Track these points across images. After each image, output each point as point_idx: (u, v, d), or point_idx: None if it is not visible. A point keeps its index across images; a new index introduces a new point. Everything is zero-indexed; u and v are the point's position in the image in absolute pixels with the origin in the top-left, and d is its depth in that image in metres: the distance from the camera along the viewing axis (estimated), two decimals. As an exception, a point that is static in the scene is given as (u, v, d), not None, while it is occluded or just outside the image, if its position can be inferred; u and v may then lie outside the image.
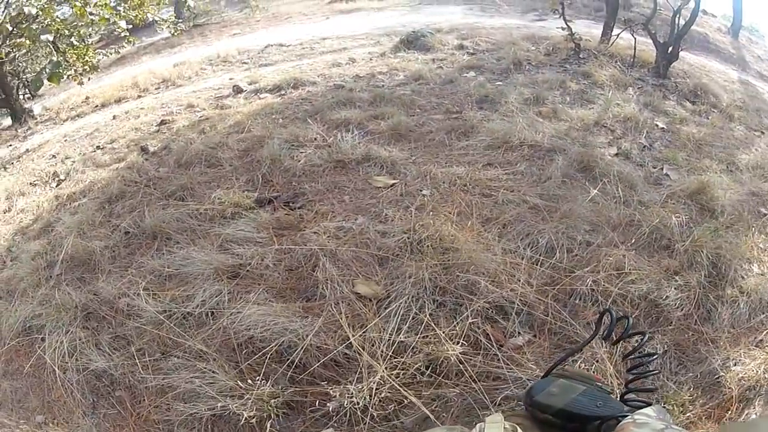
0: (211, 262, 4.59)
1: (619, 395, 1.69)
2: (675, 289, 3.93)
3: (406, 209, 4.91)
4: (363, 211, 5.05)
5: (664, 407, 2.60)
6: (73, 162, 8.28)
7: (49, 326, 4.49)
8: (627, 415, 1.45)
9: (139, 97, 11.59)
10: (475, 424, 1.49)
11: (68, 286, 4.86)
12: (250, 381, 3.45)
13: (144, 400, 3.82)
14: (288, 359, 3.65)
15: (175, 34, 15.13)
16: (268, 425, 3.35)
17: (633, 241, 4.48)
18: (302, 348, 3.64)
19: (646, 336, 1.71)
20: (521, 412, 1.71)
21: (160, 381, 3.79)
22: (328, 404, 3.37)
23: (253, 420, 3.32)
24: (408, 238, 4.39)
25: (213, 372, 3.63)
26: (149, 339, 4.14)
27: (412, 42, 11.04)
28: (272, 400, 3.40)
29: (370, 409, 3.26)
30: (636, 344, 1.76)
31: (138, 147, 7.82)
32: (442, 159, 5.96)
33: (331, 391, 3.40)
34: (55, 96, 14.37)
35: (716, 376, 3.56)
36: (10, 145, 10.86)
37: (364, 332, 3.68)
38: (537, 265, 4.17)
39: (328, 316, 3.88)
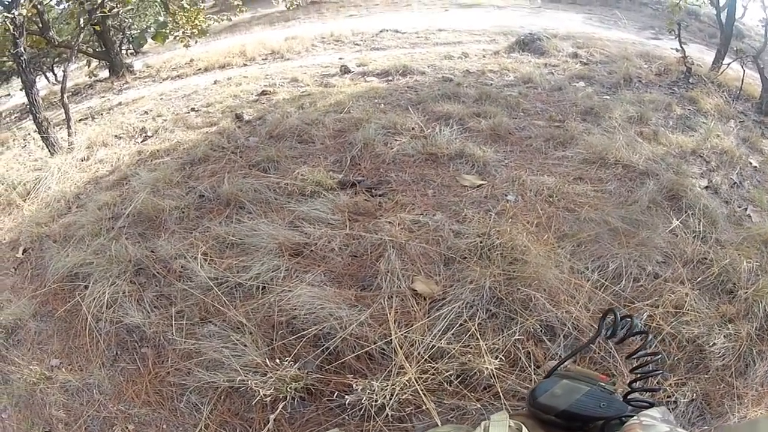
0: (277, 236, 4.73)
1: (622, 395, 1.68)
2: (724, 337, 3.87)
3: (487, 212, 4.91)
4: (443, 208, 5.07)
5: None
6: (164, 120, 8.71)
7: (96, 275, 4.72)
8: (631, 416, 1.48)
9: (245, 65, 12.07)
10: (482, 423, 1.53)
11: (127, 240, 5.12)
12: (278, 360, 3.54)
13: (167, 361, 4.00)
14: (323, 345, 3.73)
15: (291, 8, 15.44)
16: (281, 406, 3.44)
17: (699, 279, 4.38)
18: (341, 337, 3.70)
19: (650, 336, 1.66)
20: (525, 412, 1.72)
21: (189, 345, 3.95)
22: (346, 396, 3.40)
23: (268, 399, 3.40)
24: (480, 242, 4.36)
25: (244, 345, 3.75)
26: (192, 303, 4.30)
27: (528, 44, 10.95)
28: (293, 383, 3.48)
29: (387, 408, 3.29)
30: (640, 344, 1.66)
31: (233, 114, 8.14)
32: (535, 166, 5.93)
33: (354, 384, 3.43)
34: (159, 55, 15.07)
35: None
36: (103, 97, 11.56)
37: (407, 331, 3.71)
38: (600, 289, 4.15)
39: (377, 309, 3.93)
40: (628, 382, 1.72)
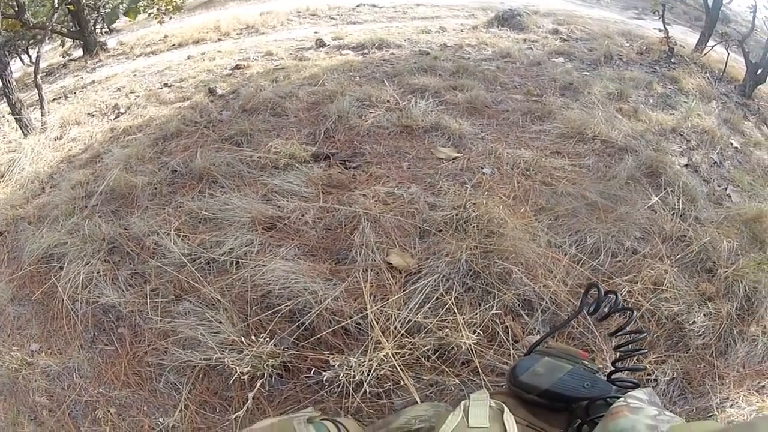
0: (250, 210, 4.72)
1: (606, 375, 1.69)
2: (704, 315, 3.91)
3: (462, 185, 4.88)
4: (418, 180, 5.07)
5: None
6: (137, 97, 8.64)
7: (70, 255, 4.70)
8: (616, 396, 1.47)
9: (219, 40, 11.99)
10: (460, 401, 1.53)
11: (101, 218, 5.08)
12: (253, 337, 3.51)
13: (144, 341, 3.99)
14: (299, 321, 3.71)
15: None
16: (258, 384, 3.44)
17: (679, 256, 4.40)
18: (316, 312, 3.69)
19: (635, 313, 1.65)
20: (505, 390, 1.73)
21: (165, 324, 3.93)
22: (324, 373, 3.40)
23: (245, 376, 3.41)
24: (456, 215, 4.36)
25: (219, 322, 3.73)
26: (167, 280, 4.29)
27: (507, 20, 10.95)
28: (270, 360, 3.48)
29: (365, 384, 3.30)
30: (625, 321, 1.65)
31: (206, 88, 8.08)
32: (512, 140, 5.92)
33: (331, 360, 3.43)
34: (132, 32, 14.96)
35: (710, 414, 3.52)
36: (76, 75, 11.46)
37: (383, 306, 3.70)
38: (578, 264, 4.16)
39: (352, 283, 3.92)
40: (611, 361, 1.74)
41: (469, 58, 8.73)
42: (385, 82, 7.40)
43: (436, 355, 3.48)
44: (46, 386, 3.99)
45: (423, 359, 3.45)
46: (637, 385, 1.56)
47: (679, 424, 1.21)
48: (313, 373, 3.48)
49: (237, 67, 9.12)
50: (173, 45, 11.99)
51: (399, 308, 3.66)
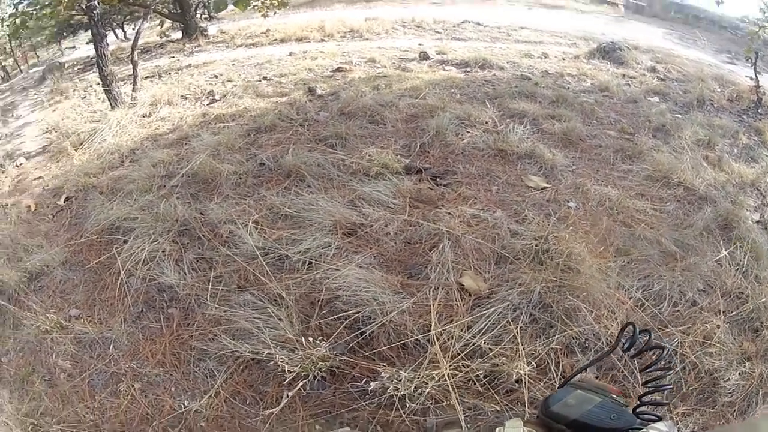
0: (334, 213, 4.78)
1: (632, 408, 1.71)
2: (739, 374, 3.87)
3: (547, 216, 4.91)
4: (504, 206, 5.06)
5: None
6: (234, 86, 8.75)
7: (138, 231, 4.82)
8: (639, 428, 1.53)
9: (322, 41, 12.01)
10: (494, 428, 1.59)
11: (178, 200, 5.21)
12: (310, 339, 3.56)
13: (193, 324, 4.07)
14: (360, 329, 3.74)
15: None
16: (300, 384, 3.47)
17: (734, 313, 4.36)
18: (380, 323, 3.72)
19: (666, 350, 1.69)
20: (535, 420, 1.75)
21: (221, 312, 4.01)
22: (371, 383, 3.39)
23: (290, 375, 3.42)
24: (536, 246, 4.37)
25: (279, 319, 3.79)
26: (233, 270, 4.38)
27: (608, 53, 10.73)
28: (320, 363, 3.52)
29: (407, 400, 3.29)
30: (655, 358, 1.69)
31: (305, 87, 8.14)
32: (601, 176, 5.90)
33: (382, 372, 3.43)
34: (234, 22, 15.02)
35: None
36: (173, 57, 11.63)
37: (447, 325, 3.69)
38: (640, 308, 4.18)
39: (421, 299, 3.93)
40: (638, 395, 1.74)
41: (568, 88, 8.65)
42: (486, 102, 7.36)
43: (486, 379, 3.47)
44: (74, 351, 4.09)
45: (472, 382, 3.43)
46: (660, 419, 1.61)
47: None
48: (360, 382, 3.49)
49: (339, 69, 9.13)
50: (275, 40, 12.07)
51: (462, 330, 3.65)
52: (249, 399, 3.56)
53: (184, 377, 3.77)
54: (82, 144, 6.99)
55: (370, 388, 3.35)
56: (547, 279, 3.95)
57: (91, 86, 9.45)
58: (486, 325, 3.69)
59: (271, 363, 3.48)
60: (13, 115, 9.53)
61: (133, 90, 8.19)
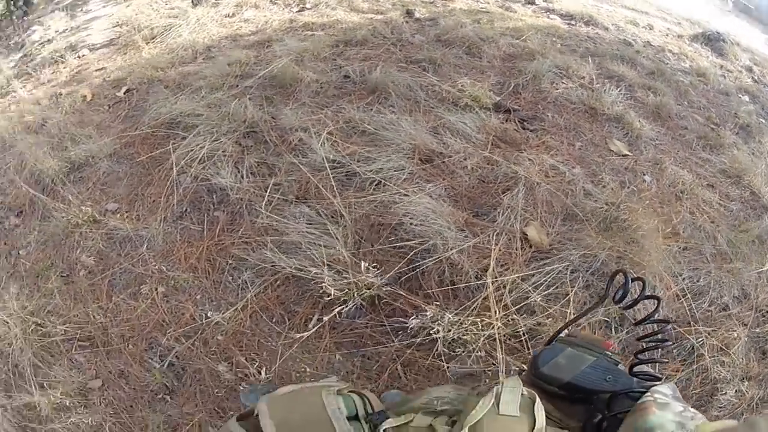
0: (414, 138, 4.61)
1: (627, 366, 1.69)
2: (735, 392, 3.80)
3: (622, 184, 4.75)
4: (584, 164, 4.91)
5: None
6: None
7: (201, 128, 4.68)
8: (639, 391, 1.46)
9: None
10: (493, 388, 1.49)
11: (250, 100, 5.03)
12: (363, 263, 3.38)
13: (239, 231, 3.96)
14: (415, 261, 3.58)
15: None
16: (337, 309, 3.37)
17: (757, 330, 4.24)
18: (437, 258, 3.55)
19: (661, 302, 1.73)
20: (525, 378, 1.69)
21: (272, 221, 3.88)
22: (411, 320, 3.28)
23: (328, 298, 3.33)
24: (605, 211, 4.23)
25: (335, 238, 3.65)
26: (295, 179, 4.24)
27: (711, 41, 10.40)
28: (364, 290, 3.38)
29: (440, 343, 3.23)
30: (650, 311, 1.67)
31: (404, 8, 7.83)
32: (680, 158, 5.68)
33: (428, 311, 3.30)
34: None
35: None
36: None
37: (503, 273, 3.56)
38: (680, 298, 4.09)
39: (483, 240, 3.78)
40: (634, 351, 1.72)
41: (667, 63, 8.37)
42: (588, 58, 7.04)
43: (526, 336, 3.42)
44: (102, 248, 4.05)
45: (512, 338, 3.39)
46: (658, 379, 1.59)
47: (703, 422, 1.23)
48: (398, 317, 3.39)
49: None
50: None
51: (518, 282, 3.55)
52: (276, 317, 3.48)
53: (213, 286, 3.68)
54: (154, 39, 6.85)
55: (410, 325, 3.22)
56: (611, 246, 3.82)
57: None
58: (543, 281, 3.55)
59: (312, 282, 3.37)
60: (82, 10, 9.50)
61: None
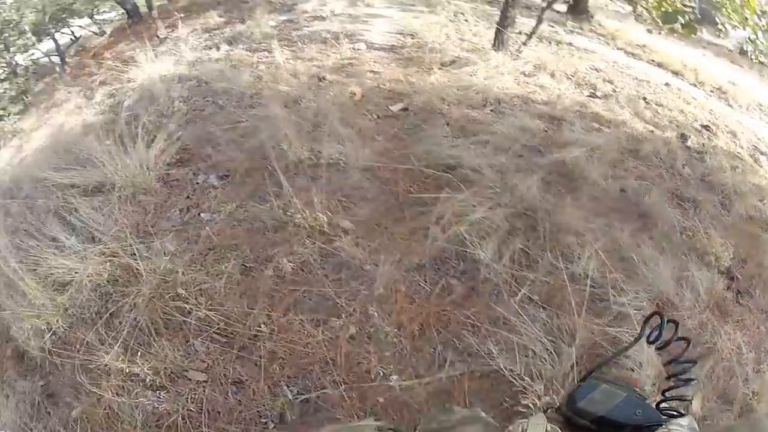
0: (660, 284, 4.55)
1: (655, 403, 1.77)
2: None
3: None
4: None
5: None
6: (615, 89, 8.45)
7: (478, 189, 4.80)
8: (660, 424, 1.61)
9: (694, 85, 10.97)
10: (518, 422, 1.62)
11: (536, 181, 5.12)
12: None
13: (470, 309, 3.94)
14: None
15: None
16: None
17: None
18: None
19: (690, 343, 1.73)
20: (554, 416, 1.82)
21: (511, 314, 3.83)
22: None
23: (522, 409, 3.27)
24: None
25: (555, 354, 3.58)
26: (550, 281, 4.24)
27: None
28: None
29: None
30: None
31: (679, 131, 7.62)
32: None
33: None
34: (609, 19, 14.25)
35: None
36: (552, 26, 11.53)
37: None
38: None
39: None
40: (661, 389, 1.78)
41: None
42: None
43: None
44: (311, 261, 4.12)
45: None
46: (683, 415, 1.66)
47: None
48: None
49: (706, 127, 8.40)
50: (652, 60, 11.54)
51: None
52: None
53: (411, 351, 3.64)
54: (444, 64, 7.06)
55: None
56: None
57: (462, 13, 9.65)
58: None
59: (513, 388, 3.37)
60: (364, 2, 10.01)
61: (524, 44, 8.28)
